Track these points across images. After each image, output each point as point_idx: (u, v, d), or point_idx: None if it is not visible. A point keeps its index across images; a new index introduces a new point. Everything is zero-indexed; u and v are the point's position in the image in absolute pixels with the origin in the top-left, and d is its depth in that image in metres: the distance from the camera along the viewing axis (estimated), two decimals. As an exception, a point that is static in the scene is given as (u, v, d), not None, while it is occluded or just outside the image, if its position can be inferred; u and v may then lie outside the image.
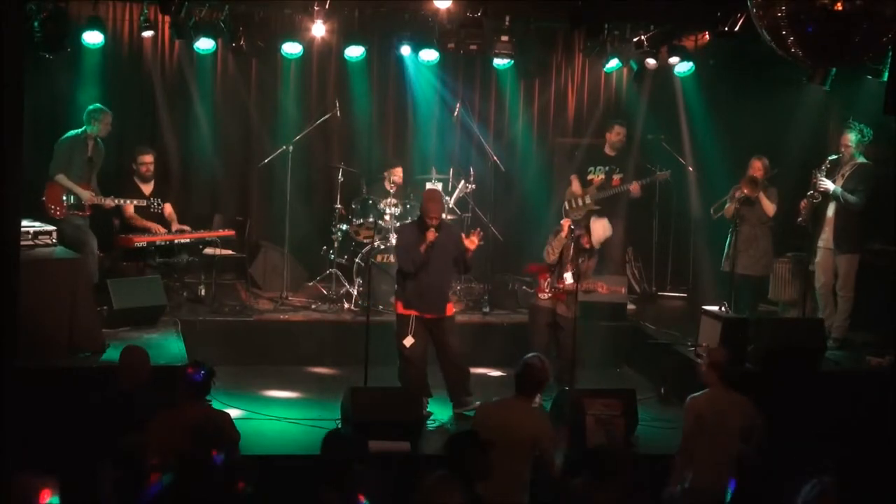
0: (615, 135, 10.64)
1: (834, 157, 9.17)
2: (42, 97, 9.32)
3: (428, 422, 7.82)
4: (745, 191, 9.33)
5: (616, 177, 10.62)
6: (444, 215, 8.17)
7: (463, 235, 8.20)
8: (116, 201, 9.33)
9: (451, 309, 8.15)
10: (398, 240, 8.30)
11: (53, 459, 5.44)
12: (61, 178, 9.05)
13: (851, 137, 9.06)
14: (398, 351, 8.02)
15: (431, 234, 7.83)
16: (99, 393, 6.30)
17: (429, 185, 10.19)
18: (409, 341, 7.92)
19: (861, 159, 9.12)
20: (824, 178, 9.05)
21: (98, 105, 9.27)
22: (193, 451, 5.14)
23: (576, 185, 10.59)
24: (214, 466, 5.21)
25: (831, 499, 5.09)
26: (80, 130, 9.18)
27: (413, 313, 7.94)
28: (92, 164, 9.25)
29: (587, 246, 8.31)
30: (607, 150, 10.67)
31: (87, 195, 9.11)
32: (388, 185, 10.27)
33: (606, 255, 10.04)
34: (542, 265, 8.50)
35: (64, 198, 9.04)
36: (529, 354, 6.29)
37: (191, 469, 5.02)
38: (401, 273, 8.07)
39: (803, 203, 9.17)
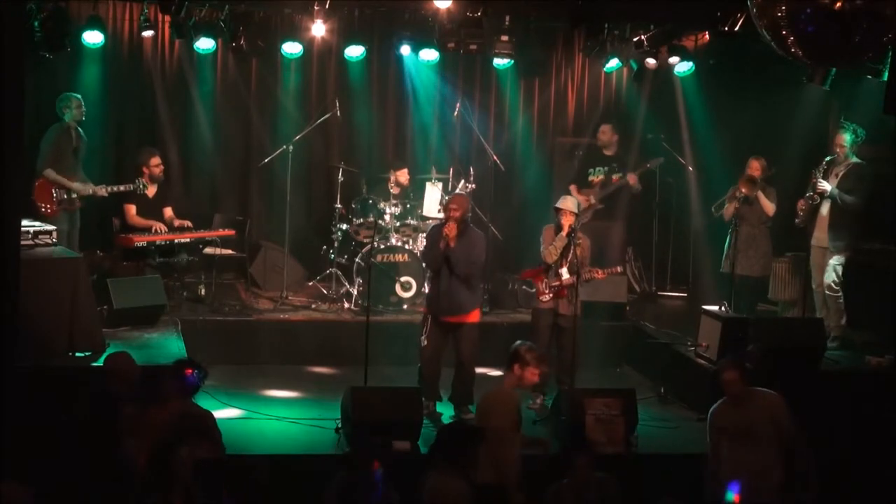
0: (602, 134, 10.71)
1: (830, 158, 9.17)
2: (42, 97, 9.31)
3: (433, 421, 7.87)
4: (743, 190, 9.34)
5: (615, 175, 10.65)
6: (469, 222, 8.14)
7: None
8: (108, 189, 9.27)
9: (474, 316, 8.10)
10: (427, 238, 8.39)
11: (49, 460, 5.45)
12: (50, 174, 8.96)
13: (846, 138, 9.03)
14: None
15: (448, 229, 7.81)
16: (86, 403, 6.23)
17: (428, 185, 10.20)
18: (423, 341, 8.01)
19: (855, 159, 9.11)
20: (822, 180, 9.04)
21: (65, 93, 9.20)
22: (171, 442, 5.24)
23: (576, 193, 10.53)
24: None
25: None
26: (59, 123, 9.10)
27: (431, 314, 8.04)
28: (77, 154, 9.19)
29: (579, 253, 8.32)
30: (605, 150, 10.72)
31: (79, 188, 9.06)
32: (391, 187, 10.27)
33: (606, 254, 10.04)
34: (535, 269, 8.49)
35: (54, 193, 8.99)
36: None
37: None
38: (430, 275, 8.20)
39: (801, 203, 9.16)
